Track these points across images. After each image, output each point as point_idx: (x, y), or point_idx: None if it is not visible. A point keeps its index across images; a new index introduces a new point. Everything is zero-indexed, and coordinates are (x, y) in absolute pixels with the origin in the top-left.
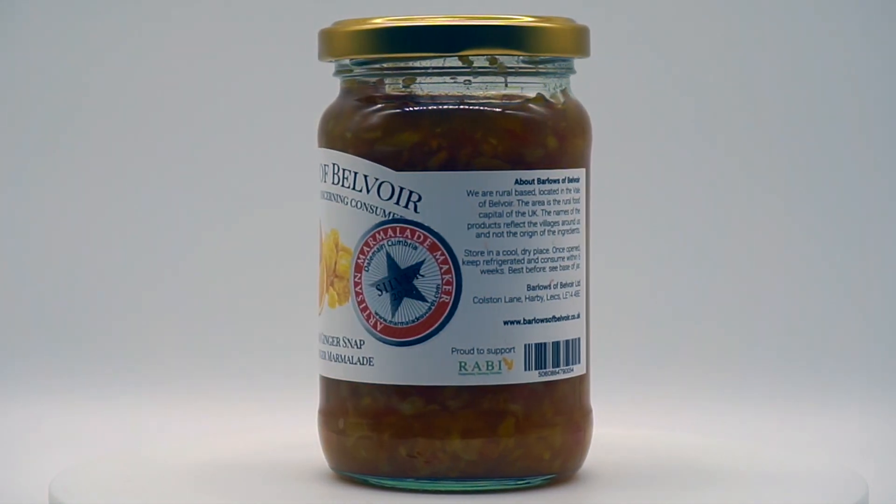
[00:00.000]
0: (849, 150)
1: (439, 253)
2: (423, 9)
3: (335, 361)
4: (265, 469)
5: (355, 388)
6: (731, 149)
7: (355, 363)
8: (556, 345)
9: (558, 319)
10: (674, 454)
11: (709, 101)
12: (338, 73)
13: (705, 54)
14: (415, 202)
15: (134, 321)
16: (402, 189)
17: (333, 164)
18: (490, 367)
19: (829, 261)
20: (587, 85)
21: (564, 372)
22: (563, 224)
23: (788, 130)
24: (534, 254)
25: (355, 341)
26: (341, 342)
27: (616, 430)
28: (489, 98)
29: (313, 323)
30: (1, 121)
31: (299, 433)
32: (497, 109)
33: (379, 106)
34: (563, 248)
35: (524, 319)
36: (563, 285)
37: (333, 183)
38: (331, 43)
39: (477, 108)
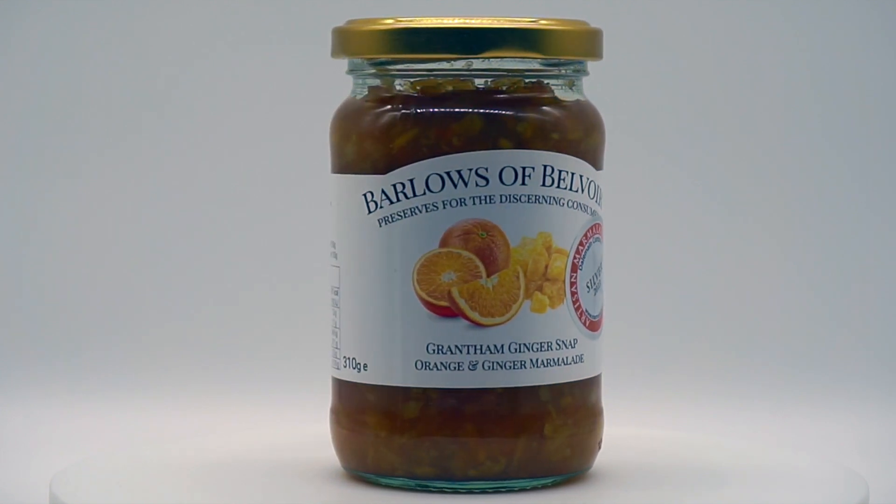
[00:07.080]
0: (850, 153)
1: (604, 246)
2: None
3: (535, 367)
4: (267, 468)
5: (556, 389)
6: (738, 151)
7: (568, 363)
8: None
9: None
10: (675, 454)
11: (715, 103)
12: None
13: (711, 56)
14: (601, 199)
15: (134, 320)
16: (598, 187)
17: (545, 166)
18: None
19: (830, 262)
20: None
21: None
22: None
23: (799, 133)
24: None
25: (569, 341)
26: (553, 345)
27: (620, 430)
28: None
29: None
30: (3, 121)
31: (300, 431)
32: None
33: (574, 106)
34: None
35: None
36: None
37: (544, 185)
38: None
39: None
